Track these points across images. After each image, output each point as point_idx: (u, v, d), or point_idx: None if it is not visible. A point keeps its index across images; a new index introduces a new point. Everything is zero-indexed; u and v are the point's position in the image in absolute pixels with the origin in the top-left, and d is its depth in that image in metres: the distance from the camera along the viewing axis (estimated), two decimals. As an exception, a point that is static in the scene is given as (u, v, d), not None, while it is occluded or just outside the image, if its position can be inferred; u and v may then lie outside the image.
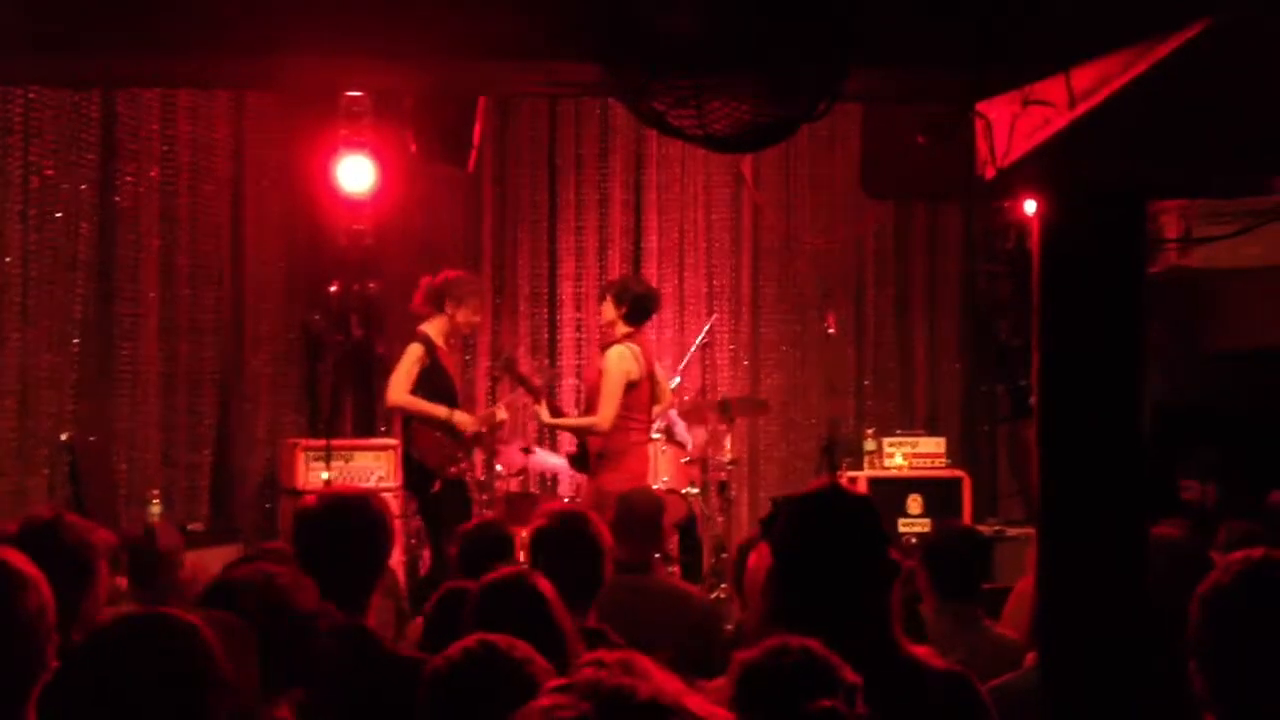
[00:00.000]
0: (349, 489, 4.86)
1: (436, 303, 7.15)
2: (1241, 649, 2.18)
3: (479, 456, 7.67)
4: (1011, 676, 3.53)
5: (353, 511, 3.45)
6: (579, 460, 7.17)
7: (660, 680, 1.50)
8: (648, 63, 2.93)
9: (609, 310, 7.04)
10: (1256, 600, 2.20)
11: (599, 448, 6.88)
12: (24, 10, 3.33)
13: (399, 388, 7.03)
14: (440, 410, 7.00)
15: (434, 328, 7.13)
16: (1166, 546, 3.64)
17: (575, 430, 7.27)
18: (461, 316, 7.15)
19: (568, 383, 9.22)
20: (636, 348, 6.92)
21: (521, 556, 6.91)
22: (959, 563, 4.25)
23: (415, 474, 7.09)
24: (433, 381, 7.06)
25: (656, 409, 7.32)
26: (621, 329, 6.95)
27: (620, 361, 6.83)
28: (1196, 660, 2.23)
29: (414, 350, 7.06)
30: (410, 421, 7.12)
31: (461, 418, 7.04)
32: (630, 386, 6.83)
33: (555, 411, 7.28)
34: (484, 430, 7.27)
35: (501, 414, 7.53)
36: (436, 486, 6.96)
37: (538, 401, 7.24)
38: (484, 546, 4.80)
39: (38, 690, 2.11)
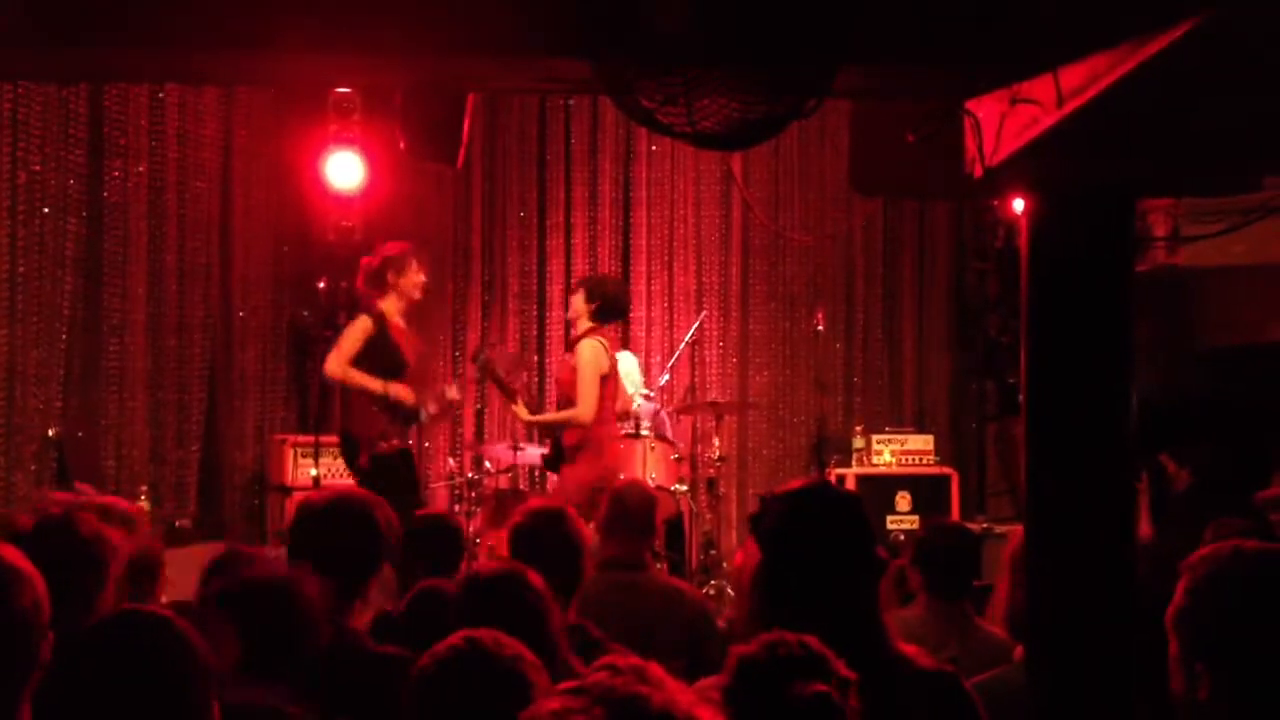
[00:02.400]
0: (350, 488, 4.84)
1: (379, 281, 7.02)
2: (1246, 636, 2.18)
3: (443, 440, 7.58)
4: (997, 671, 3.54)
5: (353, 512, 3.46)
6: (551, 460, 7.15)
7: (673, 690, 1.49)
8: (637, 59, 2.93)
9: (579, 304, 6.98)
10: (1261, 588, 2.21)
11: (574, 441, 6.86)
12: (11, 4, 3.32)
13: (337, 359, 6.78)
14: (375, 383, 6.87)
15: (388, 305, 7.00)
16: (1152, 543, 3.66)
17: (556, 424, 7.24)
18: (406, 281, 6.99)
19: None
20: (605, 341, 6.92)
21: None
22: (950, 561, 4.24)
23: (347, 447, 6.97)
24: (381, 356, 6.89)
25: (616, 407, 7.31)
26: (586, 324, 6.92)
27: (594, 355, 6.82)
28: (1189, 648, 2.22)
29: (361, 323, 6.84)
30: (348, 395, 7.01)
31: (398, 389, 6.88)
32: (602, 380, 6.84)
33: (533, 408, 7.26)
34: (434, 410, 7.15)
35: (453, 393, 7.39)
36: (364, 461, 6.82)
37: (513, 402, 7.21)
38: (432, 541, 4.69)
39: (31, 687, 2.11)
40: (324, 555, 3.27)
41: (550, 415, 7.35)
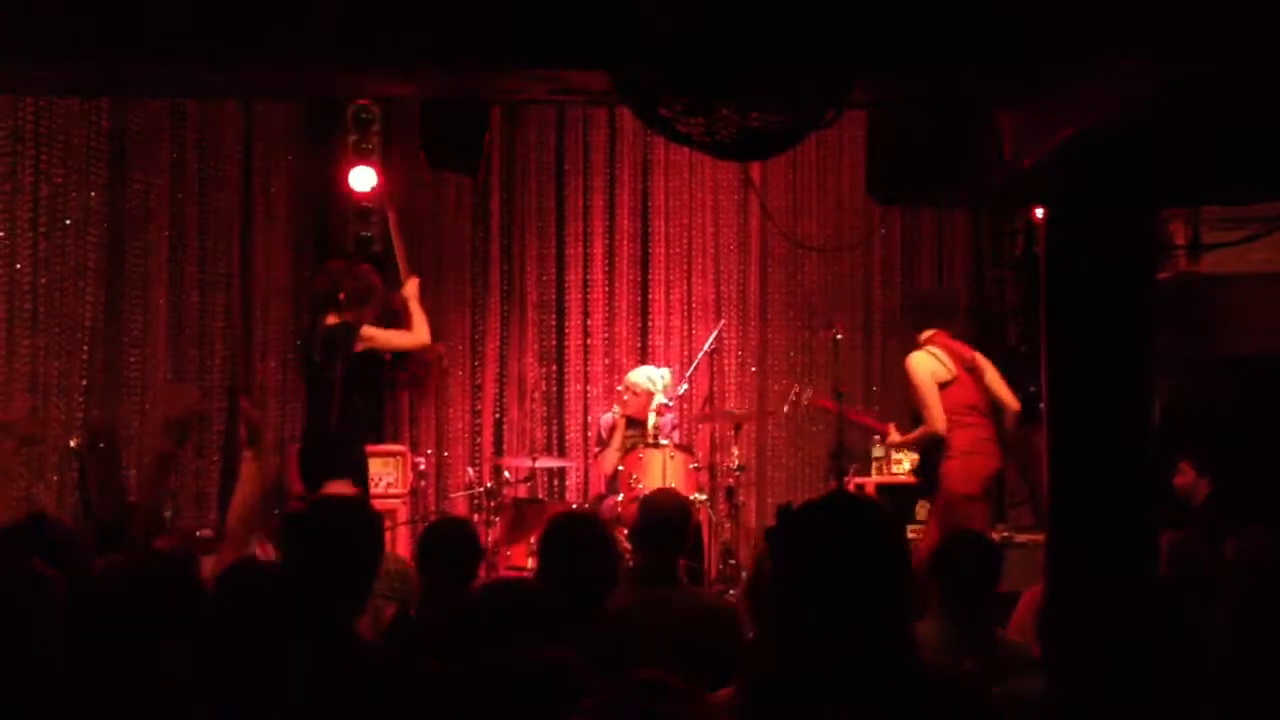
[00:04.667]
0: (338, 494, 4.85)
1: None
2: None
3: None
4: (1021, 681, 3.52)
5: (340, 516, 3.45)
6: (923, 484, 7.29)
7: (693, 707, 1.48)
8: (656, 70, 2.94)
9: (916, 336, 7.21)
10: None
11: (946, 451, 7.01)
12: (34, 18, 3.35)
13: None
14: None
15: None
16: (1177, 552, 3.64)
17: (920, 442, 7.36)
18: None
19: (574, 388, 9.22)
20: (938, 349, 7.03)
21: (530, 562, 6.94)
22: (971, 571, 4.19)
23: None
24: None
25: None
26: (923, 335, 7.13)
27: (923, 364, 6.99)
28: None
29: None
30: None
31: None
32: (943, 385, 6.96)
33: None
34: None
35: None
36: None
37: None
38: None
39: None
40: (318, 564, 3.25)
41: (913, 435, 7.42)
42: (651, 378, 8.11)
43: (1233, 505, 6.71)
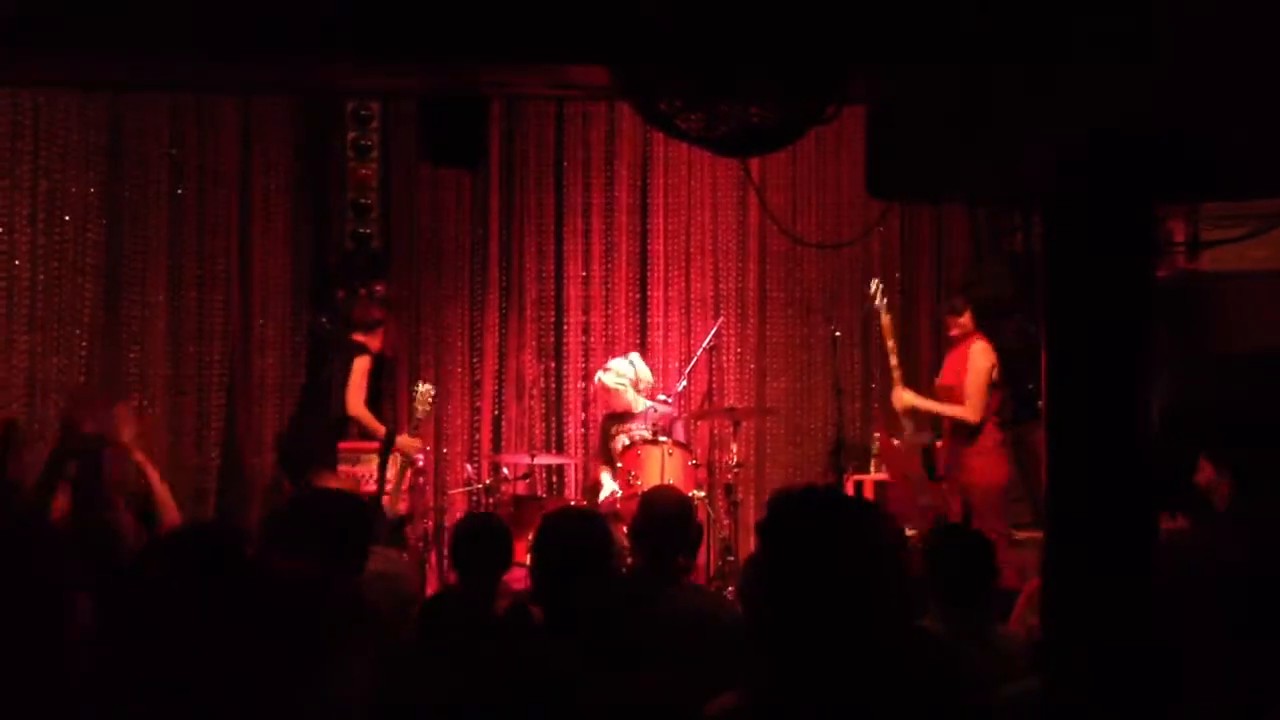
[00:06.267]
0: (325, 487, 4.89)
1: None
2: None
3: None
4: (1023, 683, 3.51)
5: (324, 508, 3.48)
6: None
7: None
8: (656, 65, 2.94)
9: (966, 321, 7.24)
10: None
11: (975, 446, 7.07)
12: (33, 12, 3.35)
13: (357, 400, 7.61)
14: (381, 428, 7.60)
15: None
16: (1176, 549, 3.64)
17: (940, 415, 7.33)
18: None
19: (573, 385, 9.22)
20: (991, 351, 7.06)
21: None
22: (962, 566, 4.15)
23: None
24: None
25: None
26: (971, 328, 7.23)
27: (985, 357, 6.96)
28: None
29: (363, 363, 7.65)
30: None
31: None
32: (990, 386, 6.99)
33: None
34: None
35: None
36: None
37: (895, 372, 7.35)
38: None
39: None
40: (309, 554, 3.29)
41: (941, 406, 7.36)
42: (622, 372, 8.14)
43: (1250, 504, 6.67)
